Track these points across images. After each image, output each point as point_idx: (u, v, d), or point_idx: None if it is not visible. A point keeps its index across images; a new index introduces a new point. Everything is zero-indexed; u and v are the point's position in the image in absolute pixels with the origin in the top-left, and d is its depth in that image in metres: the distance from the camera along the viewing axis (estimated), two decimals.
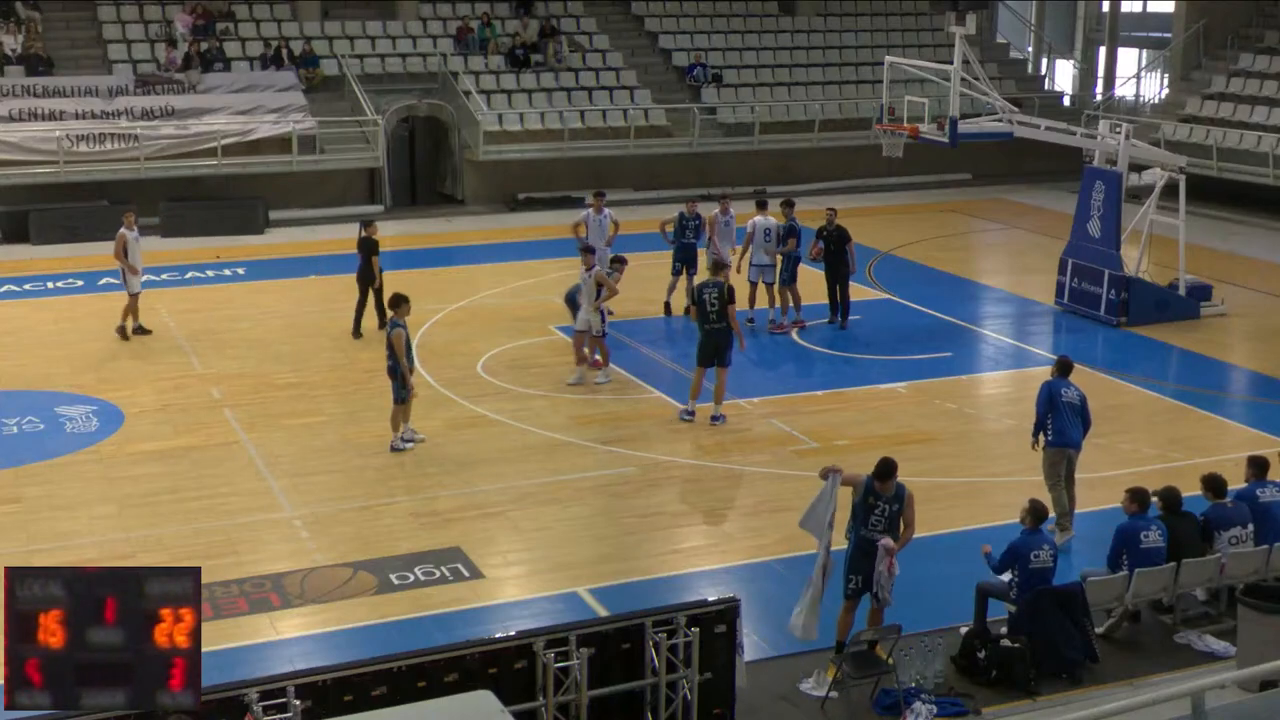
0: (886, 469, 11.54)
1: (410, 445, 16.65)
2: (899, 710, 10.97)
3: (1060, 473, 14.32)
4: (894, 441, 16.93)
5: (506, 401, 18.44)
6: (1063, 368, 14.79)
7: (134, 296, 21.20)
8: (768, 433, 17.50)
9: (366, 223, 22.20)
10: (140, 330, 21.35)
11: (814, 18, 39.67)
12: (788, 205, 22.49)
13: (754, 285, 22.11)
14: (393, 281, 21.02)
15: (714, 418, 17.71)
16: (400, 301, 16.80)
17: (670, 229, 22.83)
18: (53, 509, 14.91)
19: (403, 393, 16.52)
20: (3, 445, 16.82)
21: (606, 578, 13.44)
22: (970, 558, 12.82)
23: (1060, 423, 14.24)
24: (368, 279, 21.44)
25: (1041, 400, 14.40)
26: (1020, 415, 15.39)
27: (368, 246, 21.50)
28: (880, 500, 11.52)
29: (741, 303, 19.74)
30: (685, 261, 22.66)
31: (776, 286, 21.95)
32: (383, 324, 21.24)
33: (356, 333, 21.40)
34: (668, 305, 22.88)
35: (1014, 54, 44.27)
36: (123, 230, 21.17)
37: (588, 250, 19.51)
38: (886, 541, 11.44)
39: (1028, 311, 24.16)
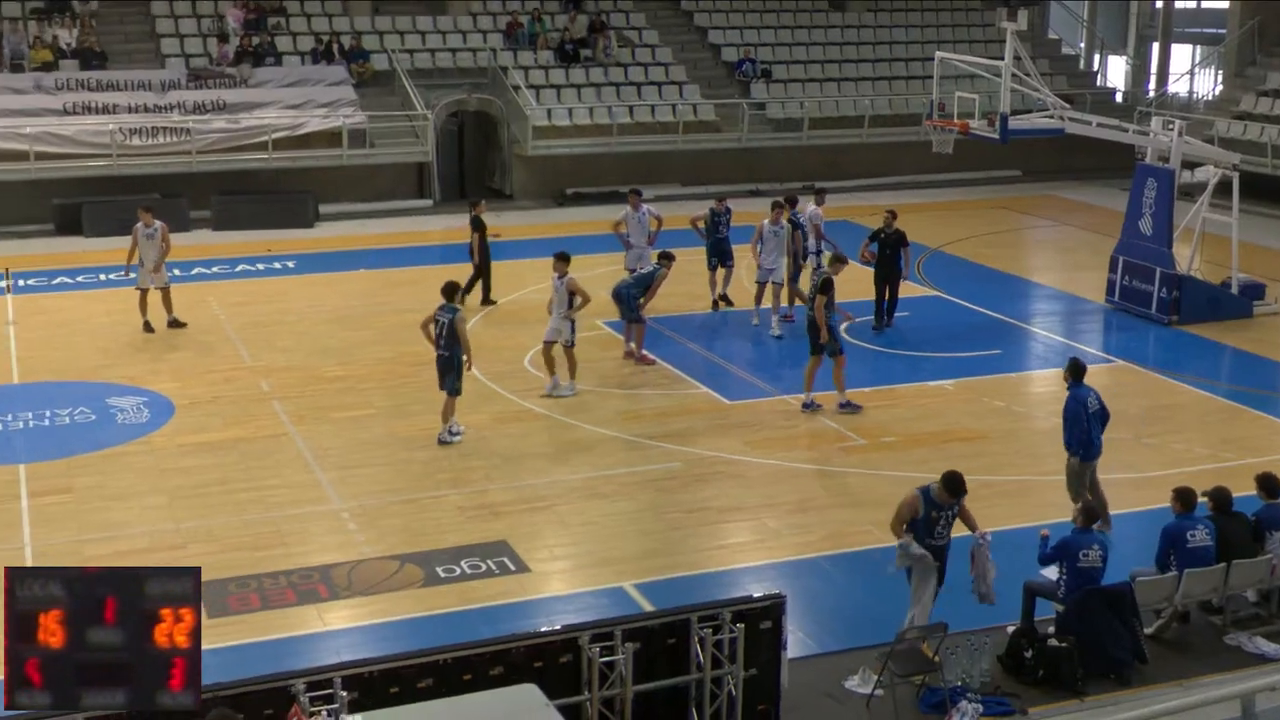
0: (956, 484, 11.59)
1: (457, 438, 16.71)
2: (945, 709, 10.92)
3: (1085, 482, 14.08)
4: (942, 439, 16.87)
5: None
6: (1079, 372, 14.20)
7: (143, 291, 21.12)
8: (815, 429, 17.45)
9: (474, 202, 23.62)
10: (147, 328, 21.15)
11: (864, 13, 39.52)
12: (786, 204, 21.83)
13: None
14: (443, 274, 21.11)
15: (805, 405, 17.91)
16: (456, 290, 16.91)
17: (703, 224, 22.80)
18: (104, 499, 15.06)
19: (457, 384, 16.56)
20: (55, 435, 17.01)
21: (652, 573, 13.44)
22: (1018, 556, 12.73)
23: (1089, 435, 13.93)
24: (484, 254, 22.64)
25: (1076, 415, 13.94)
26: None
27: (478, 225, 22.60)
28: (943, 511, 11.62)
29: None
30: (720, 256, 22.67)
31: (786, 282, 21.60)
32: (486, 299, 22.82)
33: (486, 299, 22.98)
34: (715, 302, 22.87)
35: (1066, 50, 43.91)
36: (137, 226, 21.17)
37: (561, 258, 18.63)
38: (986, 535, 11.67)
39: (1078, 309, 23.96)
